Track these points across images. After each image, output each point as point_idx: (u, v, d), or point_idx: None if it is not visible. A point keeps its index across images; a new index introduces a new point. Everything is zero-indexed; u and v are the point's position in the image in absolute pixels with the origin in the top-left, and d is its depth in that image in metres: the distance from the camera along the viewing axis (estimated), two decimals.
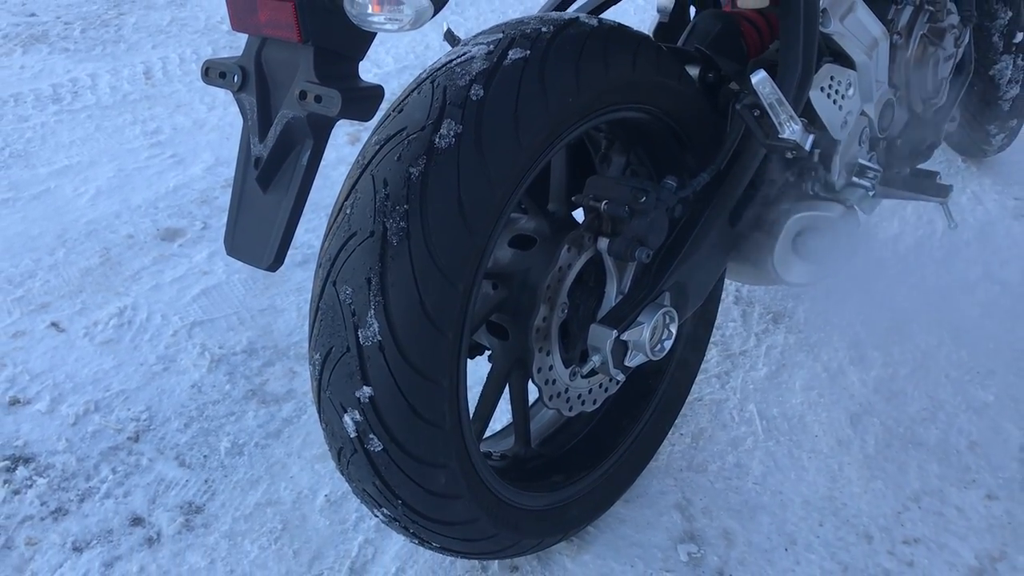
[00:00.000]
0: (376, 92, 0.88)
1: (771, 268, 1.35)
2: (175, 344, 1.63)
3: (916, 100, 1.58)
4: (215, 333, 1.66)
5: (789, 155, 1.22)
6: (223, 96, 2.43)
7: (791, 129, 1.15)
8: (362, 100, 0.86)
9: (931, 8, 1.53)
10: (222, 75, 0.92)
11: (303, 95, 0.85)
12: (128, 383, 1.55)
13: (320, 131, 0.88)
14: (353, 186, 0.99)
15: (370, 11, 0.78)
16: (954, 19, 1.62)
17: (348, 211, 0.98)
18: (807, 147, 1.18)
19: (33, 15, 2.77)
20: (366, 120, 0.92)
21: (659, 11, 1.52)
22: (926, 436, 1.57)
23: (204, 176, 2.10)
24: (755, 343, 1.75)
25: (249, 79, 0.91)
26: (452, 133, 0.95)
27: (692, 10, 1.51)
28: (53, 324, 1.67)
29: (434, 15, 0.81)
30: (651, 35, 1.53)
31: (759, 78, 1.12)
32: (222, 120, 2.32)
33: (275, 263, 0.92)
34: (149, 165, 2.12)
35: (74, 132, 2.22)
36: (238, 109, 0.98)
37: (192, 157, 2.16)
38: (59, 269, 1.80)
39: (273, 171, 0.91)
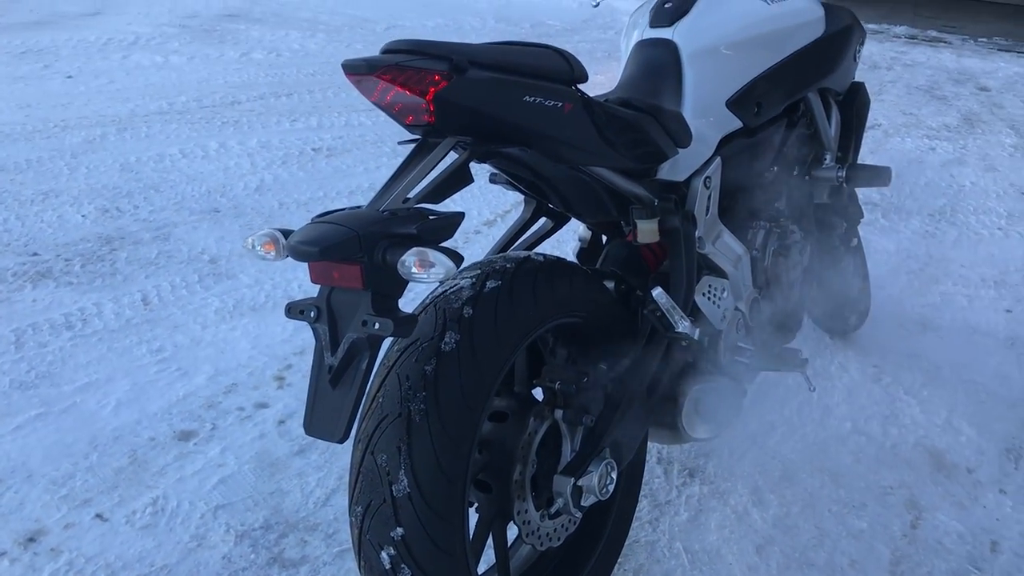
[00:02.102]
0: (413, 319, 1.31)
1: (681, 428, 1.80)
2: (204, 524, 1.96)
3: (776, 296, 2.10)
4: (236, 513, 2.00)
5: (684, 343, 1.69)
6: (213, 316, 2.84)
7: (683, 325, 1.63)
8: (404, 323, 1.28)
9: (778, 231, 2.08)
10: (301, 312, 1.33)
11: (365, 323, 1.27)
12: (169, 559, 1.87)
13: (375, 345, 1.29)
14: (382, 381, 1.40)
15: (414, 270, 1.23)
16: (797, 236, 2.17)
17: (380, 400, 1.39)
18: (696, 337, 1.66)
19: (36, 254, 3.17)
20: (407, 336, 1.35)
21: (580, 240, 2.03)
22: (816, 559, 1.98)
23: (207, 385, 2.47)
24: (676, 494, 2.17)
25: (322, 314, 1.32)
26: (453, 341, 1.39)
27: (604, 238, 2.03)
28: (98, 515, 1.98)
29: (458, 270, 1.25)
30: (575, 256, 2.03)
31: (656, 292, 1.61)
32: (215, 337, 2.72)
33: (344, 437, 1.30)
34: (159, 378, 2.49)
35: (89, 354, 2.58)
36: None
37: (194, 370, 2.54)
38: (95, 470, 2.12)
39: (340, 374, 1.30)
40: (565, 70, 1.46)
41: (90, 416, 2.32)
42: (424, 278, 1.21)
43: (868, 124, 2.69)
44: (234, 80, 5.69)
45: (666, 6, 1.95)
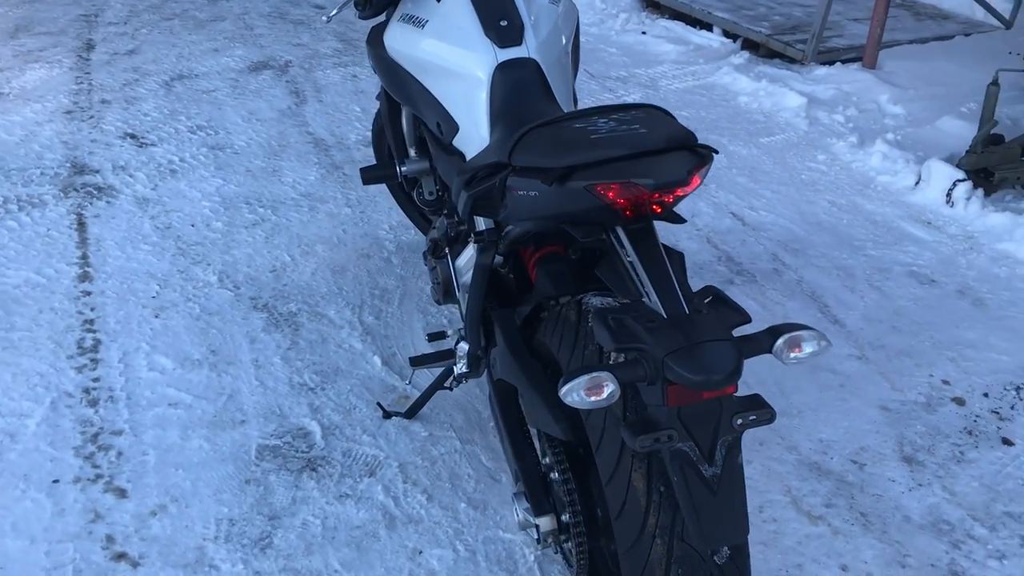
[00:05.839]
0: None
1: None
2: None
3: None
4: None
5: None
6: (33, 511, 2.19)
7: None
8: (768, 404, 1.33)
9: None
10: (656, 440, 1.28)
11: (739, 422, 1.29)
12: None
13: (740, 440, 1.32)
14: (651, 481, 1.41)
15: (789, 353, 1.28)
16: None
17: (662, 493, 1.41)
18: None
19: None
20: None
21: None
22: None
23: None
24: None
25: (681, 434, 1.29)
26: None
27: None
28: None
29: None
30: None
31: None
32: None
33: (747, 532, 1.32)
34: None
35: None
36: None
37: None
38: None
39: (720, 479, 1.30)
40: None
41: None
42: (802, 358, 1.29)
43: None
44: None
45: (502, 24, 1.97)
